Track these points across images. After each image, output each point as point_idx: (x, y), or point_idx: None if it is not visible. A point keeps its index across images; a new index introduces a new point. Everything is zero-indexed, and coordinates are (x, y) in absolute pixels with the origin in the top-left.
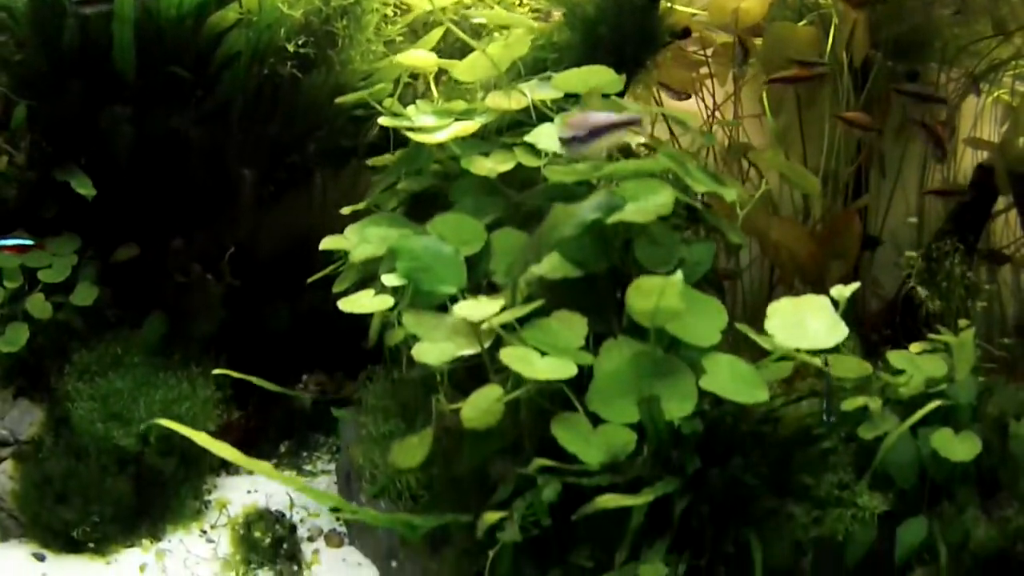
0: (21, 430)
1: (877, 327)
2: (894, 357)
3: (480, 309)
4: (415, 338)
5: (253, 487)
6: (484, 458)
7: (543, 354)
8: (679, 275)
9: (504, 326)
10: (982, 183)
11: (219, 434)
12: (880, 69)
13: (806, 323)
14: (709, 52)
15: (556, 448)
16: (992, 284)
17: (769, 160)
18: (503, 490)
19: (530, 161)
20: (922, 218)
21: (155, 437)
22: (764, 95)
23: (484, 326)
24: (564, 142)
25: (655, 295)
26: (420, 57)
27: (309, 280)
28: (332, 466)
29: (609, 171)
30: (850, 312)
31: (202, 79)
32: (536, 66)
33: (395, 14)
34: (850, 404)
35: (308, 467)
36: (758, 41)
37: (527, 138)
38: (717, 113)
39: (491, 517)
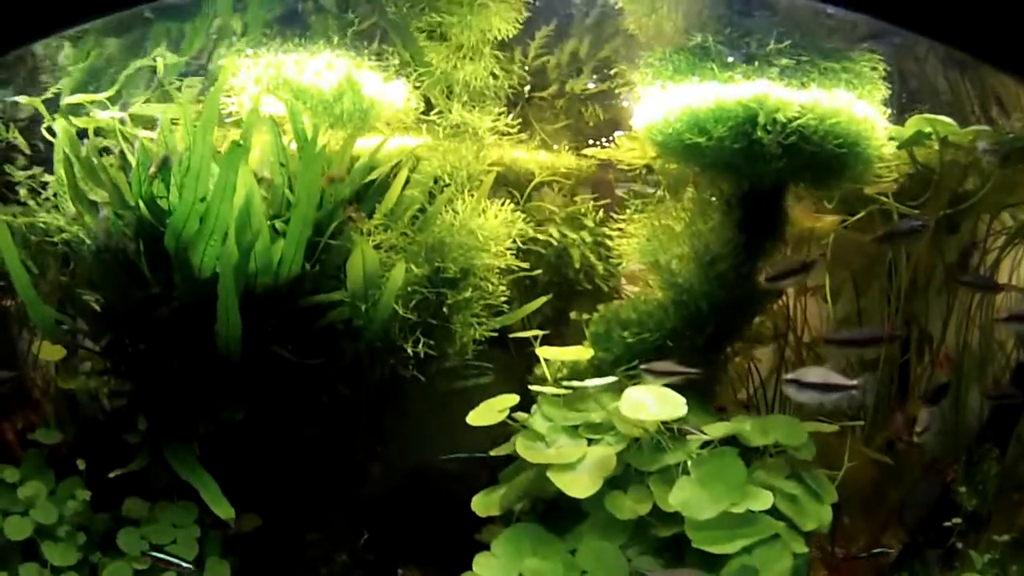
0: None
1: (922, 528)
2: None
3: None
4: None
5: None
6: None
7: None
8: None
9: None
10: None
11: None
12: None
13: None
14: None
15: None
16: None
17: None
18: None
19: (667, 504)
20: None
21: None
22: (827, 287)
23: None
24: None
25: None
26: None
27: None
28: None
29: (745, 543)
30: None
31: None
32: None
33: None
34: None
35: None
36: None
37: (673, 499)
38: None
39: None
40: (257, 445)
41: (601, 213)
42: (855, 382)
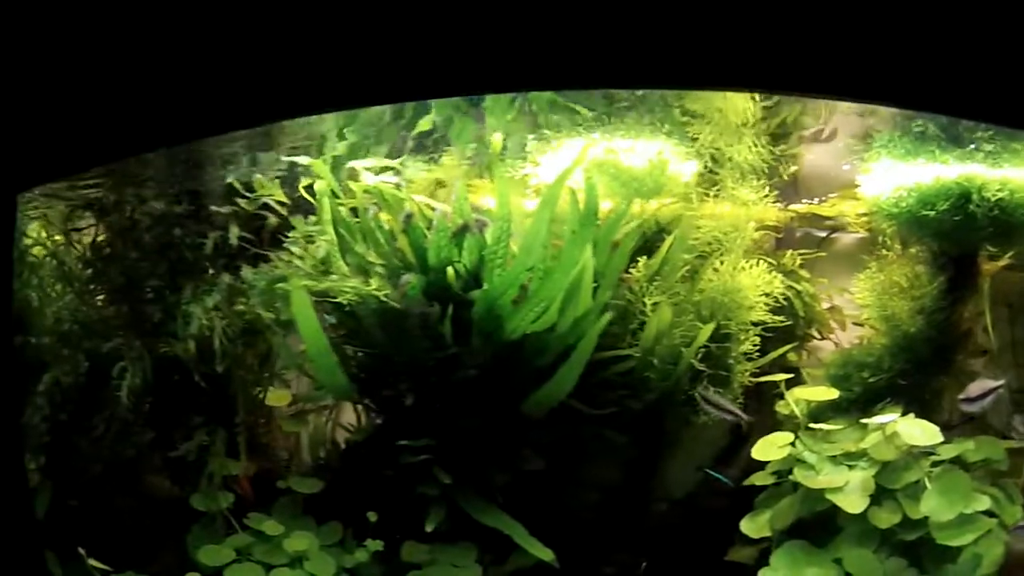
0: None
1: None
2: None
3: None
4: None
5: None
6: None
7: None
8: None
9: None
10: None
11: None
12: None
13: None
14: None
15: None
16: None
17: None
18: None
19: (915, 512)
20: None
21: None
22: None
23: None
24: (962, 401)
25: None
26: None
27: None
28: None
29: (973, 536)
30: None
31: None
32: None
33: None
34: None
35: None
36: None
37: (923, 507)
38: None
39: None
40: (549, 489)
41: (799, 260)
42: (1001, 382)
